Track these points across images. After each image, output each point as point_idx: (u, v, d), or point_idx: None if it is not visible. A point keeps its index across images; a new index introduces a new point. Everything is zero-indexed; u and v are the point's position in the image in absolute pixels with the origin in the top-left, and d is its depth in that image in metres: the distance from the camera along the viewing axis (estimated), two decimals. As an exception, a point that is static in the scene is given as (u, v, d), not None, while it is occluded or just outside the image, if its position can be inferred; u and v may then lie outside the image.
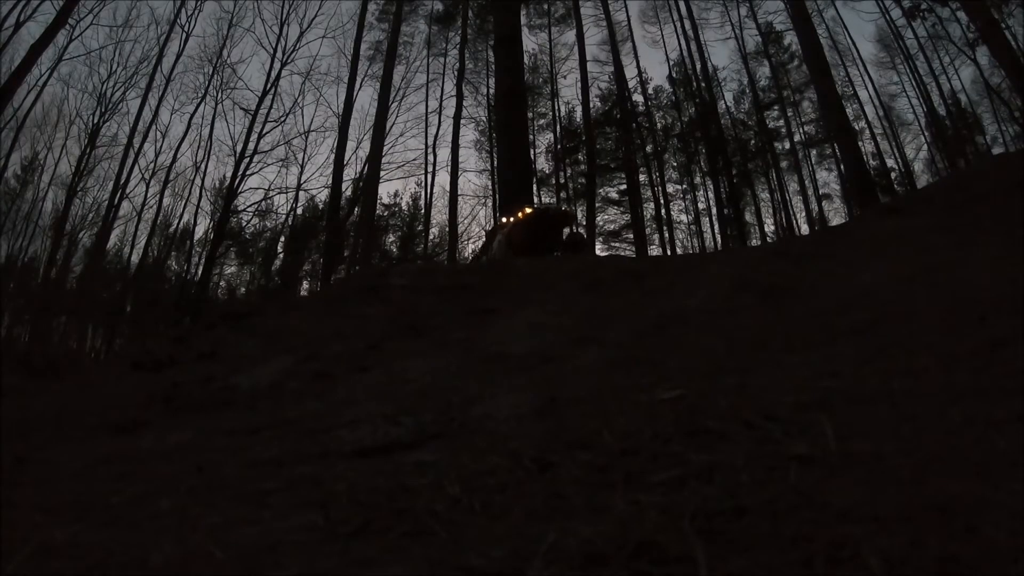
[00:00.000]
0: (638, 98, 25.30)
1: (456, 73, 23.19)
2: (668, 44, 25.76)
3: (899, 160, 23.95)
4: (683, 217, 26.26)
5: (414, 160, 30.80)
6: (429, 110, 24.00)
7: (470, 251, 25.66)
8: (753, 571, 0.92)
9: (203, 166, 22.75)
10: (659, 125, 25.88)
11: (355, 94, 20.27)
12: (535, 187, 21.10)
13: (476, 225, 24.38)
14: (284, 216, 24.49)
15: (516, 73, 12.54)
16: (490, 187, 23.62)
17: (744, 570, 0.93)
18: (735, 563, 0.95)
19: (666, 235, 24.94)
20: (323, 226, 21.56)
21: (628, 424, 1.92)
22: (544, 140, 25.95)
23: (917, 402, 1.69)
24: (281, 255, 25.49)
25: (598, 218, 23.97)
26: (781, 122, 25.09)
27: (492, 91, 22.48)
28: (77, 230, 22.03)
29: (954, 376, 1.91)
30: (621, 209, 25.57)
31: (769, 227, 25.04)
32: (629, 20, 25.12)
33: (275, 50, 21.39)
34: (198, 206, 23.43)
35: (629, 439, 1.73)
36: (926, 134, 23.93)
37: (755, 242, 23.00)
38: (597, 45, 25.35)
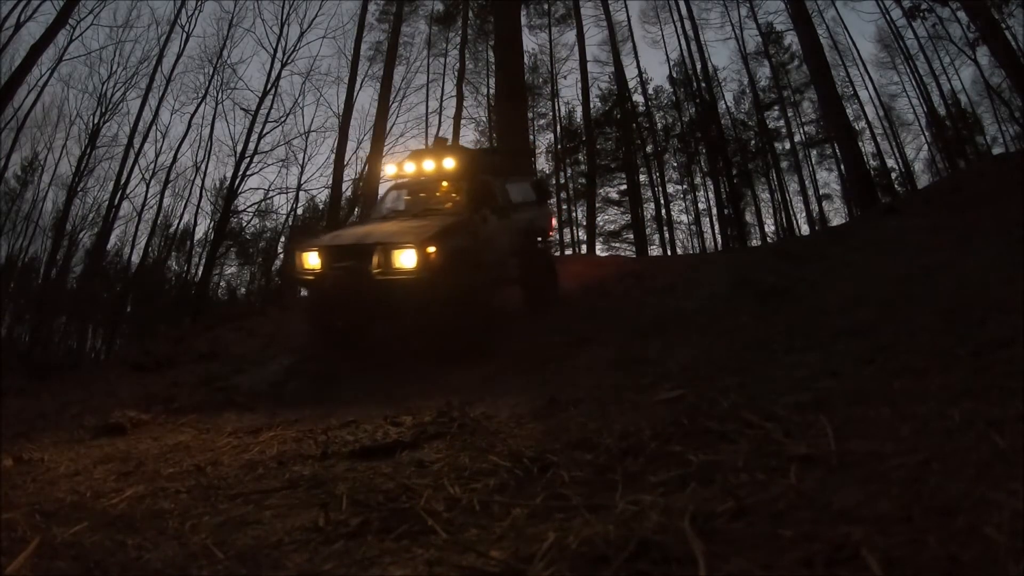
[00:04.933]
0: (638, 98, 25.24)
1: (456, 73, 23.15)
2: (668, 44, 25.60)
3: (899, 160, 23.93)
4: (683, 217, 26.22)
5: (414, 160, 30.65)
6: (429, 110, 23.96)
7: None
8: (753, 571, 0.92)
9: (203, 166, 22.62)
10: (659, 125, 25.85)
11: (355, 94, 20.18)
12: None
13: (554, 219, 24.02)
14: (284, 216, 24.50)
15: (516, 73, 12.33)
16: (490, 187, 23.61)
17: (744, 570, 0.93)
18: (735, 563, 0.95)
19: (666, 235, 24.94)
20: (323, 226, 21.58)
21: (628, 424, 1.92)
22: (544, 140, 25.91)
23: (917, 402, 1.69)
24: (281, 255, 25.46)
25: (598, 218, 23.94)
26: (781, 122, 25.05)
27: (492, 91, 22.51)
28: (77, 230, 21.99)
29: (954, 376, 1.91)
30: (621, 209, 25.56)
31: (769, 227, 24.99)
32: (629, 20, 24.95)
33: (275, 50, 21.30)
34: (198, 206, 23.37)
35: (629, 439, 1.73)
36: (926, 134, 23.89)
37: (755, 242, 23.00)
38: (597, 45, 25.24)
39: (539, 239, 6.92)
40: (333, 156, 20.03)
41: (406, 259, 4.86)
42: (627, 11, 24.68)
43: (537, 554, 1.06)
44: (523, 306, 6.51)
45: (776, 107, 24.98)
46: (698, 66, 24.08)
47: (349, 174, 21.04)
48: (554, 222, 7.41)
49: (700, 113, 24.07)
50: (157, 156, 21.61)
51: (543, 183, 7.91)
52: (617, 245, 24.88)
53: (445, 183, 6.20)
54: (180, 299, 21.75)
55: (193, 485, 2.10)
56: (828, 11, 22.63)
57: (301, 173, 22.99)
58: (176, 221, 23.94)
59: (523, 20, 16.54)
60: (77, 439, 3.49)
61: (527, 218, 6.59)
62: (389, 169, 6.77)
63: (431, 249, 4.87)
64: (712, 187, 24.09)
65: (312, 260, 5.25)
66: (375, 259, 4.91)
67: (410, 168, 6.40)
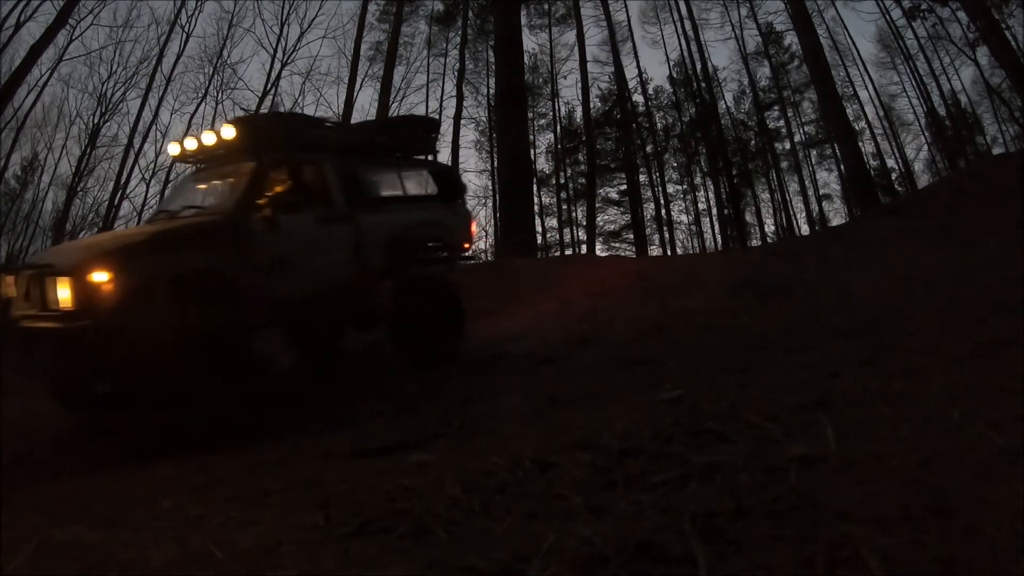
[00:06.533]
0: (638, 98, 25.22)
1: (456, 73, 23.17)
2: (668, 44, 25.59)
3: (899, 160, 23.93)
4: (683, 217, 26.21)
5: (414, 160, 30.60)
6: (429, 110, 23.97)
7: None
8: (753, 571, 0.92)
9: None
10: (659, 125, 25.86)
11: (355, 94, 20.15)
12: (535, 187, 21.06)
13: (475, 226, 24.17)
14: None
15: (516, 73, 12.29)
16: (490, 187, 23.64)
17: (744, 570, 0.93)
18: (735, 563, 0.95)
19: (666, 235, 24.94)
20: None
21: (628, 424, 1.92)
22: (544, 140, 25.89)
23: (917, 402, 1.69)
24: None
25: (598, 218, 23.95)
26: (781, 122, 25.05)
27: (492, 91, 22.51)
28: (77, 230, 21.99)
29: (954, 376, 1.91)
30: (621, 209, 25.55)
31: (769, 227, 25.00)
32: (629, 20, 24.91)
33: (275, 50, 21.30)
34: (198, 206, 23.41)
35: (629, 439, 1.73)
36: (926, 134, 23.88)
37: (755, 242, 23.00)
38: (597, 45, 25.17)
39: (435, 255, 4.77)
40: (333, 156, 20.04)
41: (61, 294, 3.02)
42: (627, 11, 24.63)
43: (537, 554, 1.06)
44: (395, 358, 4.40)
45: (776, 107, 24.99)
46: (698, 66, 24.10)
47: (349, 174, 21.04)
48: (474, 230, 5.10)
49: (700, 113, 24.07)
50: (157, 156, 21.61)
51: (452, 174, 5.46)
52: (617, 245, 24.88)
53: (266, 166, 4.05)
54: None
55: (193, 485, 2.10)
56: (828, 11, 22.63)
57: (301, 173, 22.99)
58: (176, 221, 23.94)
59: (523, 20, 16.55)
60: (77, 439, 3.49)
61: (407, 222, 4.48)
62: (172, 149, 4.52)
63: (100, 278, 3.01)
64: (712, 187, 24.11)
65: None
66: (22, 291, 3.19)
67: (191, 145, 4.31)
